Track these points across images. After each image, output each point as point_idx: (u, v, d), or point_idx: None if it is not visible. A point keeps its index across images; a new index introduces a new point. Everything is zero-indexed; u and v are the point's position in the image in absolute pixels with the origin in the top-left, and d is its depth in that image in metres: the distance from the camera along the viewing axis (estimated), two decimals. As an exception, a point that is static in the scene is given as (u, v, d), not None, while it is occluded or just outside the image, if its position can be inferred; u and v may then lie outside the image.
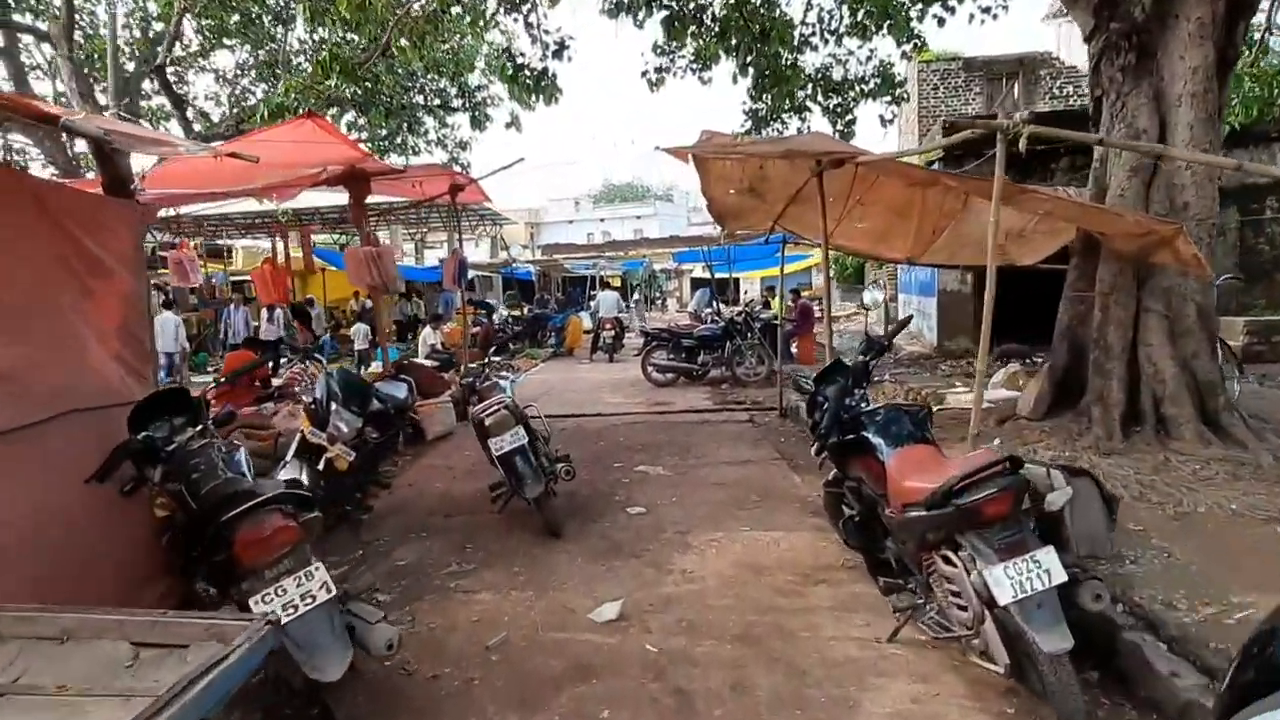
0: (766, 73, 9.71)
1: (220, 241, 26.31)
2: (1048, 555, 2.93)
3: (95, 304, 3.90)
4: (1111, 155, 6.77)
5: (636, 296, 30.09)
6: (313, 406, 5.19)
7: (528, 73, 9.57)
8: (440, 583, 4.82)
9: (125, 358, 4.05)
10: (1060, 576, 2.90)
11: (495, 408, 5.68)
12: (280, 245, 16.43)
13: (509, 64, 9.55)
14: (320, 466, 4.97)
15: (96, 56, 16.58)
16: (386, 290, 8.55)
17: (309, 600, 2.93)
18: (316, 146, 7.18)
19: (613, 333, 19.79)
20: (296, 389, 10.72)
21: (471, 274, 22.92)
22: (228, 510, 2.98)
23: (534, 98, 9.52)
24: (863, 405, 4.13)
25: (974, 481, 3.04)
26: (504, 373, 8.18)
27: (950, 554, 3.20)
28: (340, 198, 12.13)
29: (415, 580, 4.86)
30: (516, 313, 24.86)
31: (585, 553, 5.27)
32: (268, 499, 3.04)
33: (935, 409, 7.74)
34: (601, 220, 75.83)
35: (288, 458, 4.98)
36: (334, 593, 3.02)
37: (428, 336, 16.82)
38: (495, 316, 21.74)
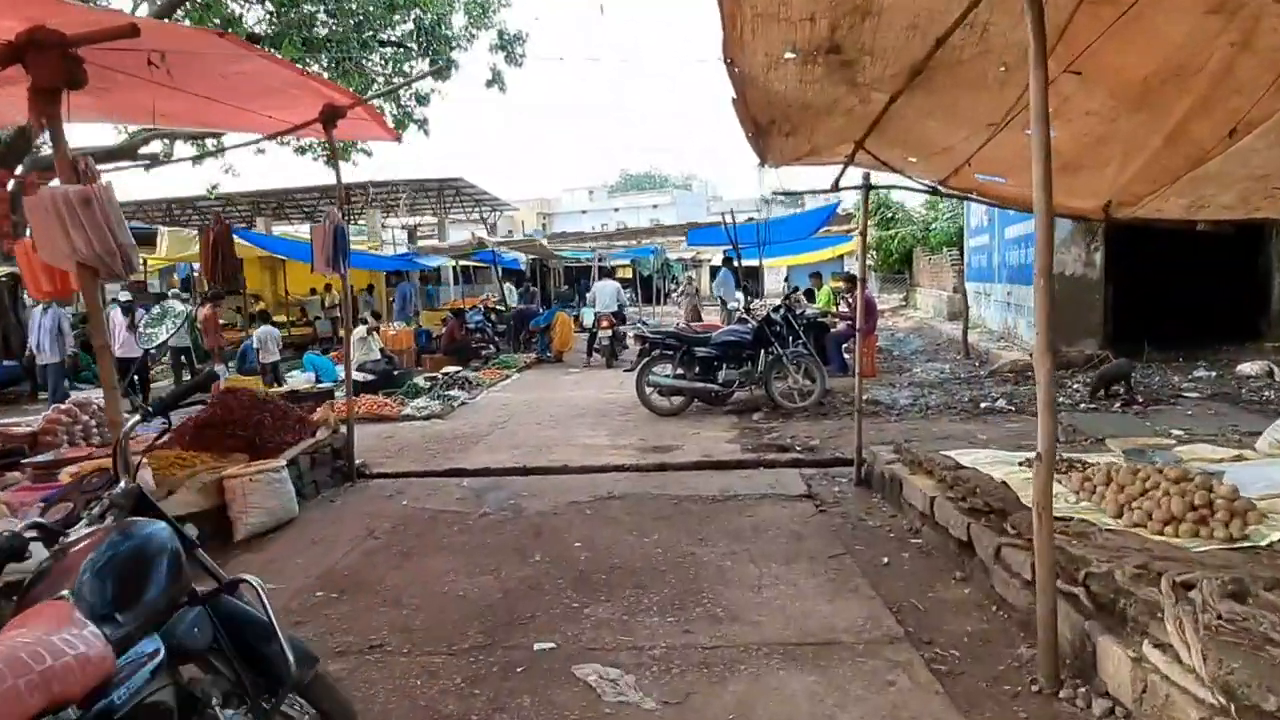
0: None
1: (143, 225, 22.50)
2: None
3: None
4: None
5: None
6: None
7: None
8: None
9: None
10: None
11: None
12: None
13: None
14: None
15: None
16: (112, 274, 4.37)
17: None
18: None
19: (610, 332, 15.63)
20: (63, 437, 6.60)
21: (437, 261, 18.76)
22: None
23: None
24: None
25: None
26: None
27: None
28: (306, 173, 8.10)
29: None
30: (501, 308, 20.64)
31: None
32: None
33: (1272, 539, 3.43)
34: (616, 210, 72.49)
35: None
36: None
37: (362, 341, 12.67)
38: (467, 315, 17.50)
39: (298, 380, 13.22)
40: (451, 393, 11.22)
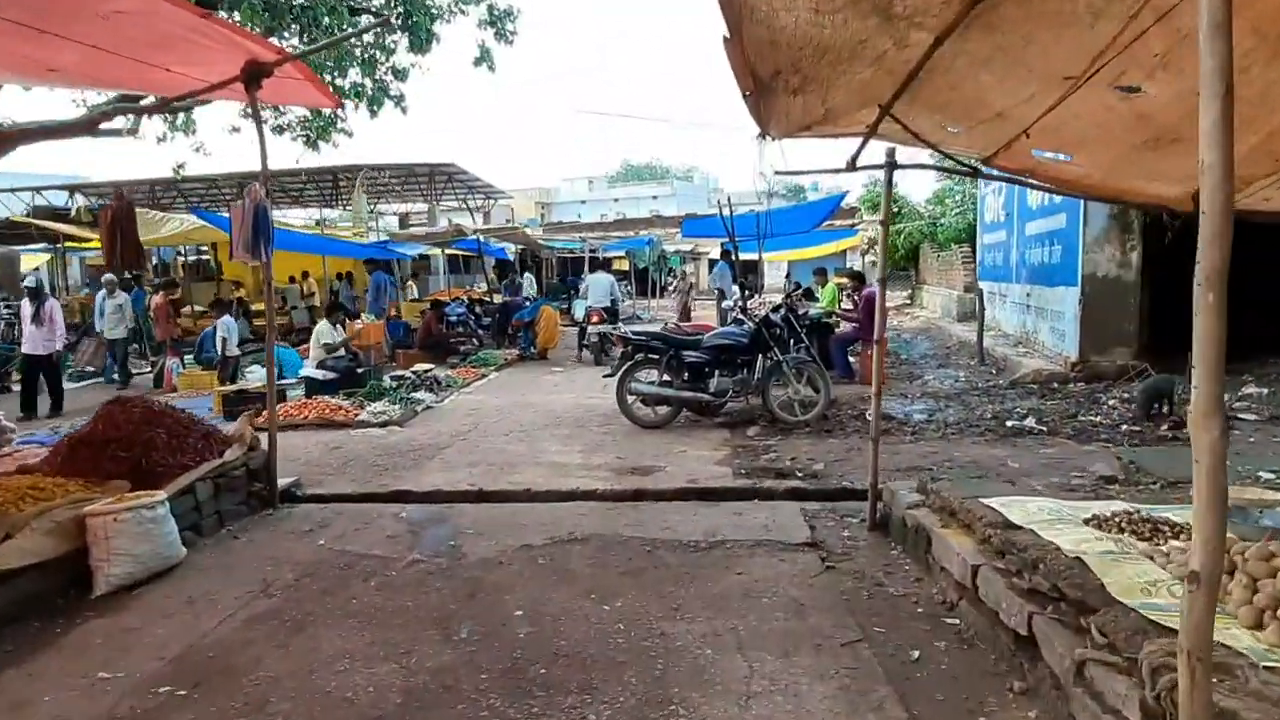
0: None
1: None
2: None
3: None
4: None
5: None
6: None
7: None
8: None
9: None
10: None
11: None
12: None
13: None
14: None
15: None
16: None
17: None
18: None
19: (600, 327, 14.58)
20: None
21: (413, 249, 17.67)
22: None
23: None
24: None
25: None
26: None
27: None
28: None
29: None
30: (487, 300, 19.53)
31: None
32: None
33: None
34: (616, 200, 71.37)
35: None
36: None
37: (323, 334, 11.57)
38: (448, 308, 16.38)
39: (258, 376, 12.16)
40: (416, 395, 10.13)
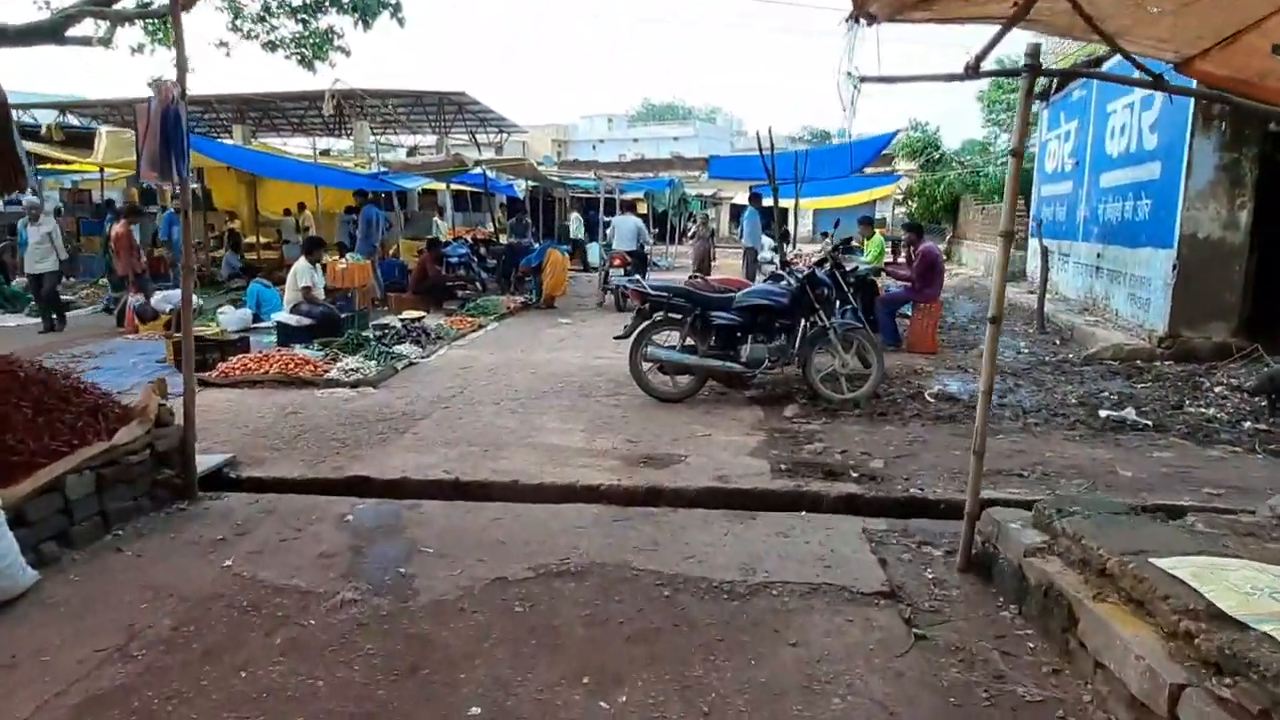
0: None
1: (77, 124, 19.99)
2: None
3: None
4: None
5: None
6: None
7: None
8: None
9: None
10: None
11: None
12: None
13: None
14: None
15: None
16: None
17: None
18: None
19: (621, 271, 13.47)
20: None
21: (411, 182, 16.20)
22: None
23: None
24: None
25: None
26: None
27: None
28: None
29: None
30: (493, 241, 18.09)
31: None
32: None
33: None
34: (635, 140, 69.43)
35: None
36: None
37: (300, 274, 10.20)
38: (447, 249, 14.98)
39: (229, 319, 10.92)
40: (399, 349, 8.82)
